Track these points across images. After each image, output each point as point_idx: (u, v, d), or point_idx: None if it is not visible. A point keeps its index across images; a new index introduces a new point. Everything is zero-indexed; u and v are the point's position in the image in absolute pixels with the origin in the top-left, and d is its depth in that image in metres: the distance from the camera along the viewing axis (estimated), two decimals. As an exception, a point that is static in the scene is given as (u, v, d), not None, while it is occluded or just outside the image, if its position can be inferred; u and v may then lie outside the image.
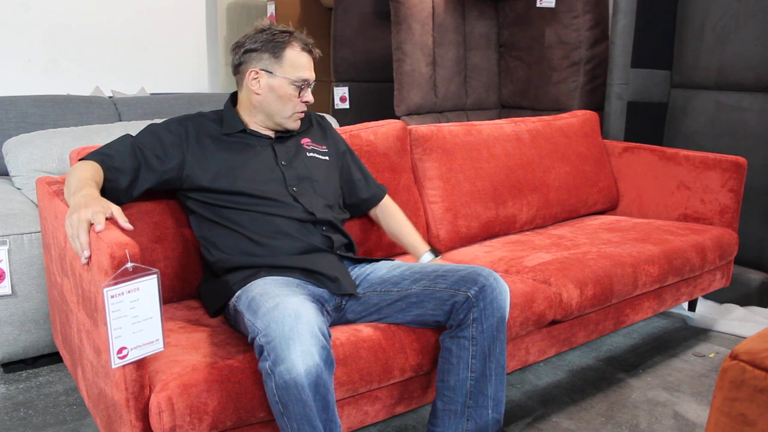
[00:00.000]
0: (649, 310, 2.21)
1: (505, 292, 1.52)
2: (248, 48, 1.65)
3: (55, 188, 1.67)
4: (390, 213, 1.94)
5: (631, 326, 2.57)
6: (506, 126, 2.53)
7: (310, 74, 1.67)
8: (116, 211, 1.31)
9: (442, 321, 1.52)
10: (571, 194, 2.61)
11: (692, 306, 2.67)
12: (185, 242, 1.72)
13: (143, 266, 1.20)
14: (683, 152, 2.61)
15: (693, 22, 2.91)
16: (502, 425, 1.55)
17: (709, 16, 2.84)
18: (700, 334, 2.54)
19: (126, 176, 1.57)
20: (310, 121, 1.86)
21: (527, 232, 2.46)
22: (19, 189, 2.42)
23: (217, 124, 1.70)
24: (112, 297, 1.16)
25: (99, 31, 4.37)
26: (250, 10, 5.02)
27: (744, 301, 2.70)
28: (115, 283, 1.17)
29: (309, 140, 1.79)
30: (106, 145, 1.62)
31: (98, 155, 1.57)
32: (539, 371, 2.21)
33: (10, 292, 2.00)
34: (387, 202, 1.96)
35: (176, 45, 4.74)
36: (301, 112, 1.71)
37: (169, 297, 1.71)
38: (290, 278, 1.52)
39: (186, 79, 4.83)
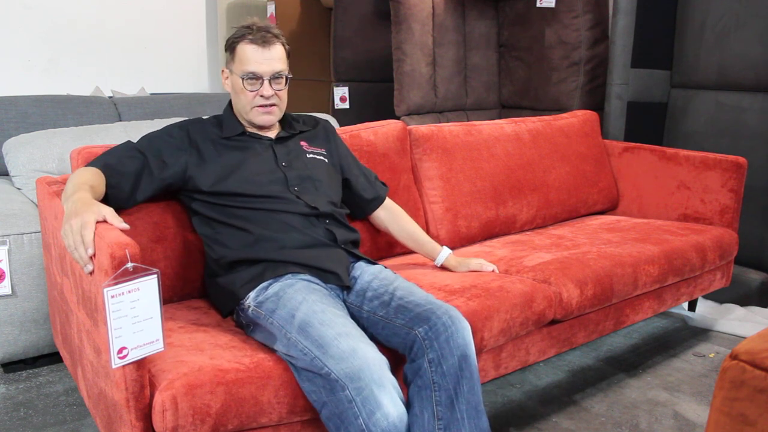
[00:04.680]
0: (649, 310, 2.21)
1: (463, 328, 1.40)
2: (225, 48, 1.70)
3: (55, 188, 1.67)
4: (399, 215, 1.94)
5: (631, 326, 2.57)
6: (506, 126, 2.53)
7: (258, 67, 1.62)
8: (108, 213, 1.28)
9: (405, 366, 1.42)
10: (571, 194, 2.61)
11: (692, 306, 2.67)
12: (185, 242, 1.72)
13: (143, 266, 1.20)
14: (683, 152, 2.61)
15: (693, 22, 2.91)
16: None
17: (709, 16, 2.84)
18: (700, 334, 2.54)
19: (128, 181, 1.57)
20: (315, 124, 1.86)
21: (527, 232, 2.46)
22: (19, 189, 2.42)
23: (216, 129, 1.70)
24: (113, 297, 1.16)
25: (99, 31, 4.37)
26: (250, 10, 5.01)
27: (744, 301, 2.70)
28: (116, 283, 1.17)
29: (307, 143, 1.79)
30: (108, 151, 1.62)
31: (100, 161, 1.57)
32: (539, 371, 2.21)
33: (10, 292, 2.00)
34: (391, 204, 1.95)
35: (176, 45, 4.74)
36: (262, 107, 1.67)
37: (169, 297, 1.71)
38: (308, 281, 1.52)
39: (186, 79, 4.83)
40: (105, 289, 1.16)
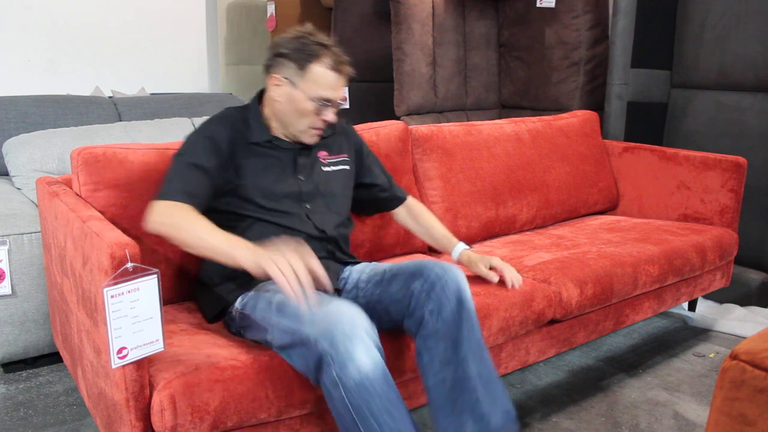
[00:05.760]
0: (649, 310, 2.21)
1: (455, 275, 1.47)
2: (279, 51, 1.58)
3: (55, 188, 1.67)
4: (417, 212, 1.92)
5: (631, 326, 2.57)
6: (506, 126, 2.53)
7: (334, 94, 1.59)
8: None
9: (404, 325, 1.48)
10: (571, 194, 2.61)
11: (692, 306, 2.67)
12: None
13: (143, 266, 1.20)
14: (683, 152, 2.61)
15: (693, 22, 2.91)
16: (506, 404, 1.48)
17: (709, 16, 2.84)
18: (700, 334, 2.54)
19: (205, 200, 1.54)
20: (333, 129, 1.78)
21: (527, 232, 2.46)
22: (19, 189, 2.42)
23: (244, 129, 1.63)
24: (112, 297, 1.16)
25: (99, 31, 4.37)
26: (250, 10, 5.02)
27: (744, 301, 2.70)
28: (115, 283, 1.17)
29: (326, 153, 1.73)
30: (170, 177, 1.52)
31: (173, 193, 1.49)
32: (539, 371, 2.21)
33: (10, 292, 2.00)
34: (412, 202, 1.94)
35: (176, 45, 4.74)
36: (319, 129, 1.64)
37: (169, 298, 1.71)
38: None
39: (186, 79, 4.83)
40: (105, 289, 1.16)
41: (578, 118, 2.79)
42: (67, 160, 2.32)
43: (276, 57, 1.59)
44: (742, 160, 2.46)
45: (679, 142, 2.99)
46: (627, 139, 2.98)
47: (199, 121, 2.88)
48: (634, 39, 2.91)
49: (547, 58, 3.35)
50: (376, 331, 1.33)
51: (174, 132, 2.69)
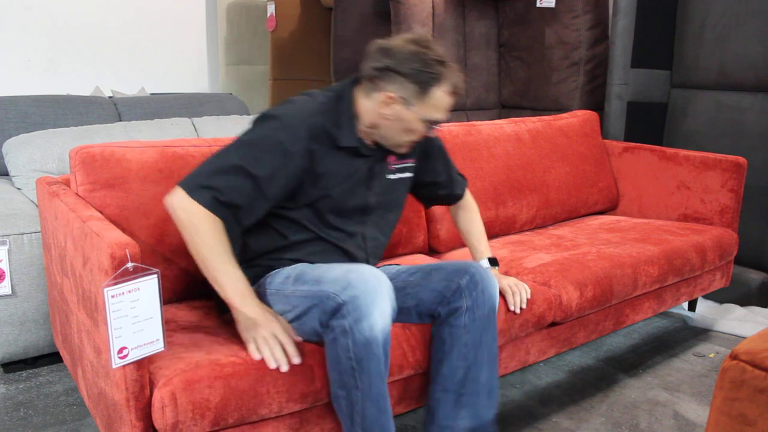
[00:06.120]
0: (649, 310, 2.21)
1: (493, 283, 1.54)
2: (395, 68, 1.45)
3: (55, 188, 1.67)
4: (465, 214, 1.87)
5: (631, 326, 2.57)
6: (506, 126, 2.53)
7: (443, 116, 1.52)
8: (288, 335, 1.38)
9: (436, 311, 1.53)
10: (571, 194, 2.61)
11: (692, 306, 2.67)
12: (186, 243, 1.72)
13: (143, 266, 1.20)
14: (683, 152, 2.61)
15: (693, 22, 2.91)
16: (495, 412, 1.55)
17: (709, 16, 2.84)
18: (700, 334, 2.54)
19: (240, 215, 1.44)
20: None
21: (527, 232, 2.46)
22: (19, 189, 2.42)
23: (333, 129, 1.49)
24: (113, 297, 1.17)
25: (99, 31, 4.37)
26: (250, 10, 5.02)
27: (744, 301, 2.70)
28: (116, 283, 1.17)
29: (394, 158, 1.63)
30: (221, 180, 1.39)
31: (206, 196, 1.38)
32: (539, 371, 2.21)
33: (10, 292, 2.00)
34: (467, 201, 1.89)
35: (176, 45, 4.74)
36: (413, 143, 1.57)
37: (169, 297, 1.71)
38: None
39: (186, 79, 4.83)
40: (105, 289, 1.16)
41: (578, 118, 2.79)
42: (67, 160, 2.32)
43: (390, 72, 1.45)
44: (742, 160, 2.46)
45: (679, 142, 2.99)
46: (627, 139, 2.98)
47: (199, 121, 2.89)
48: (634, 39, 2.91)
49: (547, 58, 3.35)
50: (394, 297, 1.37)
51: (174, 132, 2.69)
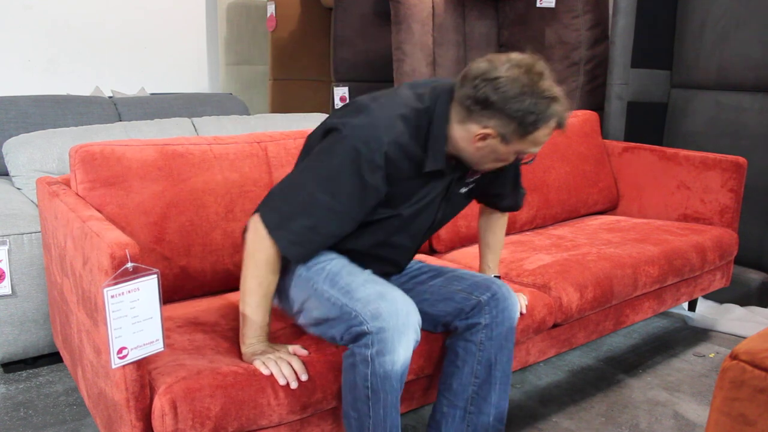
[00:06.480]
0: (649, 310, 2.21)
1: (515, 303, 1.52)
2: (500, 107, 1.28)
3: (55, 188, 1.67)
4: (497, 221, 1.77)
5: (631, 326, 2.57)
6: (506, 126, 2.53)
7: (540, 149, 1.40)
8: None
9: (453, 323, 1.51)
10: (571, 194, 2.61)
11: (692, 306, 2.67)
12: (186, 242, 1.72)
13: (143, 266, 1.20)
14: (683, 152, 2.61)
15: (693, 22, 2.91)
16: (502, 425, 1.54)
17: (709, 16, 2.84)
18: (700, 334, 2.54)
19: (323, 247, 1.43)
20: None
21: (527, 232, 2.46)
22: (19, 189, 2.42)
23: (419, 153, 1.38)
24: (112, 297, 1.16)
25: (99, 31, 4.37)
26: (250, 10, 5.02)
27: (744, 301, 2.70)
28: (115, 283, 1.17)
29: (471, 171, 1.51)
30: (308, 230, 1.35)
31: (300, 247, 1.36)
32: (539, 371, 2.21)
33: (10, 292, 2.00)
34: (500, 215, 1.79)
35: (176, 45, 4.74)
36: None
37: (169, 297, 1.71)
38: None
39: (186, 79, 4.83)
40: (105, 289, 1.16)
41: (578, 118, 2.79)
42: (67, 160, 2.32)
43: (493, 108, 1.29)
44: (742, 160, 2.46)
45: (679, 142, 2.99)
46: (627, 139, 2.98)
47: (199, 121, 2.88)
48: (634, 39, 2.90)
49: (546, 58, 3.34)
50: (420, 328, 1.33)
51: (174, 132, 2.69)
